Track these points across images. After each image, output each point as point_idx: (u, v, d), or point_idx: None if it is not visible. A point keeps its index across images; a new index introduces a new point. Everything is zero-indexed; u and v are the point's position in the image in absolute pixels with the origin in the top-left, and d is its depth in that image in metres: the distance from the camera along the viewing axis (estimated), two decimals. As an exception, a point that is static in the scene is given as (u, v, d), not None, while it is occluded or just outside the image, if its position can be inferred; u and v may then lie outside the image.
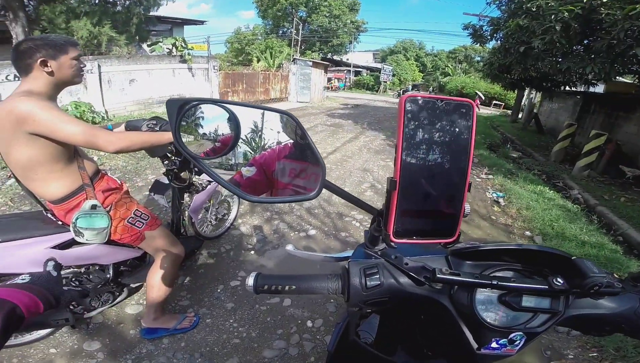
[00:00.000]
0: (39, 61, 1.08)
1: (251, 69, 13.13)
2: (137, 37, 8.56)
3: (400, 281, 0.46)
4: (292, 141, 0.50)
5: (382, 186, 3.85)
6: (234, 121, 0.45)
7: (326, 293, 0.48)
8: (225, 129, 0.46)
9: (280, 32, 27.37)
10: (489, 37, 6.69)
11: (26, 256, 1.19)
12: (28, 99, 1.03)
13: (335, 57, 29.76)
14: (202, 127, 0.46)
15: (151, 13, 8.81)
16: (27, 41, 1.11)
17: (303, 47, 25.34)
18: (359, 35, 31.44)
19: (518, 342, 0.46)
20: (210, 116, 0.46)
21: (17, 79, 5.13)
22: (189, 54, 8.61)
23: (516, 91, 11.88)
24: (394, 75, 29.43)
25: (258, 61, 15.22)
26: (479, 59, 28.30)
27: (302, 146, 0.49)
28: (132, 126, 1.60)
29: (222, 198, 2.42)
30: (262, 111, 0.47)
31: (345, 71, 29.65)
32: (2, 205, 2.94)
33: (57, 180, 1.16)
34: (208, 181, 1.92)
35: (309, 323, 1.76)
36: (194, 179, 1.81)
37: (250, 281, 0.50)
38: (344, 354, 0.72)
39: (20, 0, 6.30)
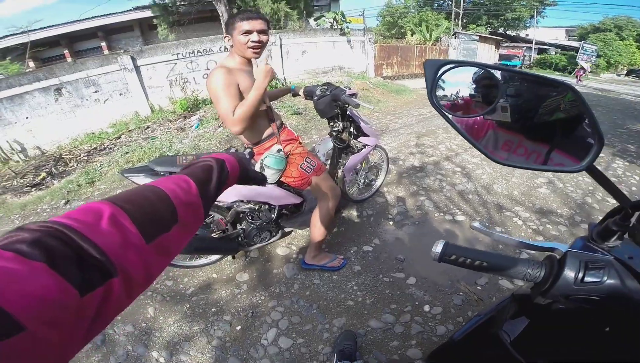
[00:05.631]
0: (225, 37, 1.32)
1: (405, 43, 12.76)
2: (305, 12, 9.49)
3: (628, 285, 0.40)
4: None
5: (564, 186, 2.99)
6: (495, 85, 0.44)
7: (519, 278, 0.45)
8: (475, 91, 0.46)
9: (436, 4, 25.22)
10: None
11: None
12: (216, 71, 1.24)
13: (510, 33, 25.17)
14: (454, 87, 0.47)
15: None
16: (229, 18, 1.33)
17: (465, 21, 22.52)
18: (543, 9, 25.57)
19: None
20: (462, 78, 0.46)
21: (226, 50, 6.68)
22: (347, 27, 8.94)
23: None
24: (599, 56, 22.18)
25: (412, 34, 14.88)
26: None
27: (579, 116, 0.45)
28: (308, 90, 1.86)
29: (373, 163, 2.47)
30: (535, 79, 0.45)
31: (525, 48, 23.94)
32: (213, 146, 4.22)
33: (254, 129, 1.44)
34: (363, 145, 2.00)
35: (426, 308, 1.67)
36: (352, 141, 1.93)
37: (438, 248, 0.49)
38: (466, 346, 0.68)
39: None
